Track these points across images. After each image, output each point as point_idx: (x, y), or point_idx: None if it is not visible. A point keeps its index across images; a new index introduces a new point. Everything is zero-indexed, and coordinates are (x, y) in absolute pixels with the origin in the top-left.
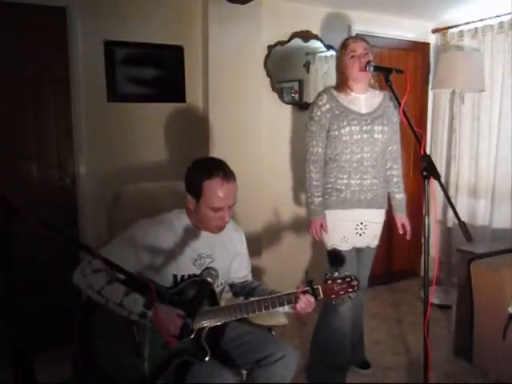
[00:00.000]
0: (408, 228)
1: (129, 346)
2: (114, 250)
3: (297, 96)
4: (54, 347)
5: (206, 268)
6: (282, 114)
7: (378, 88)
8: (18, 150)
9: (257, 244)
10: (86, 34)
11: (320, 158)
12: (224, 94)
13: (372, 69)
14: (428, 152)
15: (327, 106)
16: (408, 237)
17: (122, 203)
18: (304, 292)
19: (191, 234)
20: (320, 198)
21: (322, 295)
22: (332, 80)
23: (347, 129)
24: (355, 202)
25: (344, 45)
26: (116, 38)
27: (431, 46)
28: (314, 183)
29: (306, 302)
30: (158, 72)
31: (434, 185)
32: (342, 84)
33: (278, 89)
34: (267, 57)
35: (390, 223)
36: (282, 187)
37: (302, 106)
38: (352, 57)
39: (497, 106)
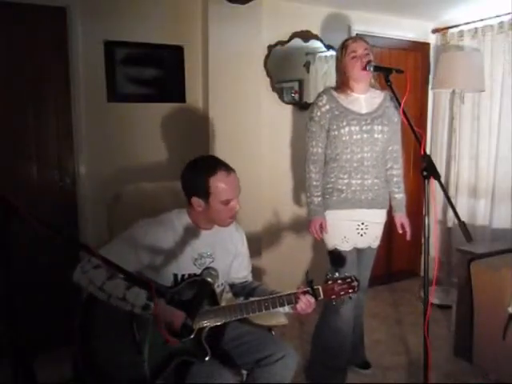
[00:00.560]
0: (407, 228)
1: (129, 346)
2: (113, 249)
3: (297, 96)
4: (54, 347)
5: (207, 268)
6: (282, 114)
7: (378, 88)
8: (18, 150)
9: (257, 244)
10: (86, 33)
11: (320, 158)
12: (224, 94)
13: (372, 69)
14: (428, 152)
15: (327, 107)
16: (408, 237)
17: (122, 203)
18: (304, 292)
19: (192, 233)
20: (320, 198)
21: (322, 296)
22: (332, 80)
23: (346, 129)
24: (356, 202)
25: (344, 45)
26: (116, 38)
27: (431, 46)
28: (314, 183)
29: (306, 303)
30: (158, 72)
31: (433, 185)
32: (343, 84)
33: (278, 89)
34: (267, 57)
35: (390, 223)
36: (282, 187)
37: (302, 106)
38: (353, 57)
39: (497, 106)
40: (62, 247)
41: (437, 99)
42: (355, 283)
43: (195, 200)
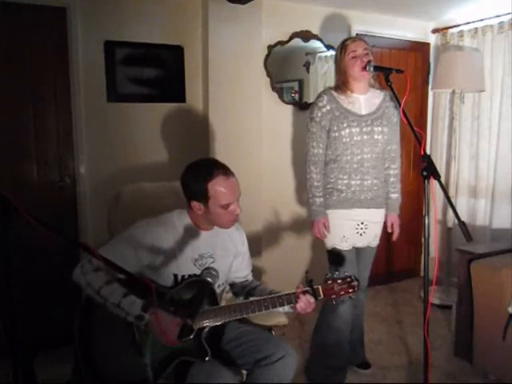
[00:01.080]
0: (396, 229)
1: (129, 346)
2: (113, 249)
3: (297, 96)
4: (54, 347)
5: (207, 268)
6: (281, 114)
7: (378, 88)
8: (18, 150)
9: (257, 244)
10: (86, 34)
11: (320, 159)
12: (224, 94)
13: (372, 69)
14: (428, 152)
15: (328, 107)
16: (394, 237)
17: (121, 203)
18: (304, 292)
19: (192, 234)
20: (321, 199)
21: (322, 295)
22: (332, 80)
23: (347, 130)
24: (356, 202)
25: (344, 45)
26: (116, 38)
27: (431, 46)
28: (315, 184)
29: (306, 302)
30: (158, 72)
31: (433, 185)
32: (343, 85)
33: (278, 89)
34: (267, 57)
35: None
36: (282, 187)
37: (302, 106)
38: (353, 57)
39: (497, 106)
40: (62, 247)
41: (437, 99)
42: (355, 283)
43: (195, 204)
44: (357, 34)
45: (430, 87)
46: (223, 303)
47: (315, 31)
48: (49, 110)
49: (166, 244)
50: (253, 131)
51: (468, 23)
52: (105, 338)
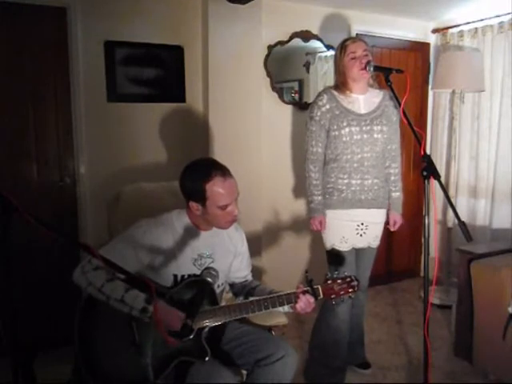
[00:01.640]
0: (397, 226)
1: (129, 346)
2: (113, 249)
3: (297, 96)
4: (54, 347)
5: (206, 268)
6: (281, 114)
7: (377, 87)
8: (18, 150)
9: (257, 244)
10: (86, 33)
11: (320, 158)
12: (224, 94)
13: (372, 69)
14: (428, 152)
15: (327, 107)
16: (392, 229)
17: (121, 203)
18: (304, 292)
19: (191, 234)
20: (320, 197)
21: (322, 295)
22: (332, 80)
23: (347, 129)
24: (356, 202)
25: (343, 46)
26: (116, 38)
27: (431, 46)
28: (314, 182)
29: (305, 302)
30: (158, 72)
31: (433, 185)
32: (342, 85)
33: (278, 89)
34: (267, 57)
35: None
36: (282, 187)
37: (301, 106)
38: (352, 58)
39: (497, 106)
40: (62, 247)
41: (437, 99)
42: (355, 283)
43: (193, 204)
44: (357, 34)
45: (430, 87)
46: (223, 303)
47: (315, 31)
48: (49, 110)
49: (166, 244)
50: (253, 131)
51: (468, 23)
52: (105, 338)
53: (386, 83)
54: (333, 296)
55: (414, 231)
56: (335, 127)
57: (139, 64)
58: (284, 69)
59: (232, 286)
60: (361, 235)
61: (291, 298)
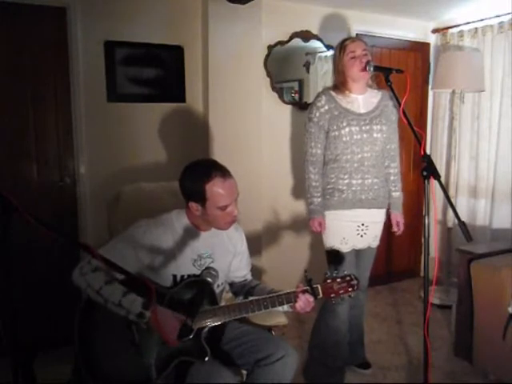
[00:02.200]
0: (402, 227)
1: (128, 346)
2: (113, 249)
3: (297, 96)
4: (54, 347)
5: (206, 268)
6: (281, 114)
7: (375, 87)
8: (18, 150)
9: (257, 244)
10: (86, 33)
11: (319, 159)
12: (224, 94)
13: (372, 69)
14: (428, 152)
15: (326, 108)
16: (397, 233)
17: (121, 203)
18: (303, 291)
19: (191, 234)
20: (319, 199)
21: (321, 294)
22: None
23: (347, 129)
24: (357, 202)
25: (342, 46)
26: (116, 38)
27: (431, 46)
28: (313, 184)
29: (305, 302)
30: (158, 72)
31: (433, 185)
32: (341, 85)
33: (278, 89)
34: (267, 57)
35: (389, 223)
36: (282, 187)
37: (301, 106)
38: (352, 57)
39: (497, 106)
40: (62, 247)
41: (437, 99)
42: (355, 282)
43: (192, 204)
44: (357, 34)
45: (430, 87)
46: (223, 303)
47: (315, 31)
48: (49, 110)
49: (166, 244)
50: (253, 131)
51: (468, 23)
52: (105, 338)
53: (386, 83)
54: (332, 295)
55: (414, 231)
56: (335, 127)
57: (139, 64)
58: (284, 69)
59: (231, 285)
60: (361, 236)
61: (291, 298)
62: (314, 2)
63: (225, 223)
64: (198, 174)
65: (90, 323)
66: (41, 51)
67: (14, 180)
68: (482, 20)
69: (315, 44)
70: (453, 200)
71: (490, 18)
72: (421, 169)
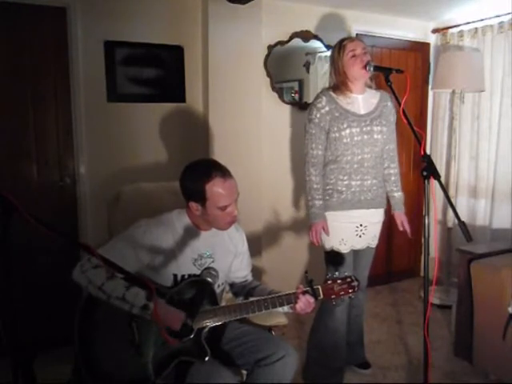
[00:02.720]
0: (407, 226)
1: (128, 346)
2: (113, 249)
3: (297, 96)
4: (54, 347)
5: (206, 268)
6: (281, 114)
7: (374, 87)
8: (18, 150)
9: (257, 244)
10: (86, 33)
11: (320, 161)
12: (224, 94)
13: (372, 69)
14: (428, 152)
15: (326, 108)
16: (409, 235)
17: (121, 203)
18: (304, 292)
19: (191, 234)
20: (321, 201)
21: (322, 295)
22: None
23: (348, 131)
24: (356, 203)
25: (341, 46)
26: (116, 38)
27: (431, 46)
28: (315, 186)
29: (305, 303)
30: (158, 72)
31: (433, 185)
32: (342, 85)
33: (278, 89)
34: (267, 57)
35: (389, 223)
36: (282, 187)
37: (301, 106)
38: (352, 56)
39: (497, 106)
40: (62, 247)
41: (437, 99)
42: (355, 283)
43: (193, 204)
44: (357, 34)
45: (430, 87)
46: (223, 303)
47: (315, 31)
48: (49, 110)
49: (166, 244)
50: (253, 131)
51: (468, 23)
52: (105, 338)
53: (386, 83)
54: (333, 296)
55: (413, 231)
56: (335, 129)
57: (139, 64)
58: (284, 69)
59: (232, 285)
60: (360, 236)
61: (291, 299)
62: (314, 1)
63: (225, 223)
64: (198, 174)
65: (90, 323)
66: (41, 51)
67: (14, 180)
68: (482, 20)
69: (315, 44)
70: (453, 200)
71: (489, 18)
72: (421, 169)
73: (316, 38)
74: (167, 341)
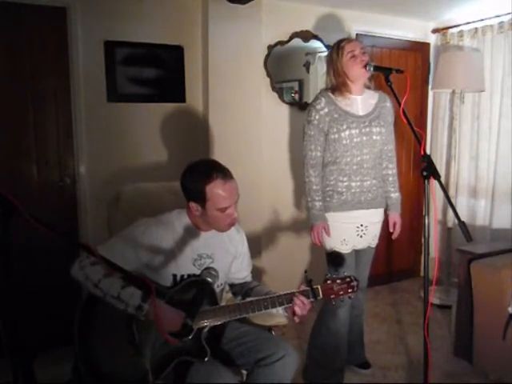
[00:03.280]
0: (398, 228)
1: (128, 346)
2: (112, 248)
3: (297, 96)
4: (54, 347)
5: (206, 268)
6: (281, 114)
7: (373, 88)
8: (18, 150)
9: (257, 244)
10: (86, 33)
11: (319, 162)
12: (224, 94)
13: (372, 69)
14: (428, 152)
15: (326, 110)
16: (394, 236)
17: (122, 203)
18: (302, 293)
19: (191, 234)
20: (321, 203)
21: (321, 295)
22: None
23: (347, 132)
24: (356, 204)
25: (340, 46)
26: (116, 38)
27: (431, 46)
28: (314, 187)
29: (300, 305)
30: (158, 72)
31: (433, 185)
32: (341, 85)
33: (278, 89)
34: (267, 57)
35: (389, 223)
36: (282, 187)
37: (301, 106)
38: (352, 57)
39: (497, 106)
40: (62, 247)
41: (437, 99)
42: (354, 283)
43: (193, 205)
44: (357, 34)
45: (430, 87)
46: (223, 303)
47: (315, 31)
48: (49, 110)
49: (166, 244)
50: (253, 131)
51: (468, 23)
52: (105, 338)
53: (386, 83)
54: (332, 296)
55: (414, 231)
56: (334, 130)
57: (139, 64)
58: (284, 69)
59: (231, 286)
60: (361, 236)
61: (291, 298)
62: (314, 2)
63: (224, 225)
64: (198, 175)
65: (90, 323)
66: (41, 51)
67: (14, 180)
68: (482, 20)
69: (315, 44)
70: (453, 200)
71: (489, 18)
72: (421, 169)
73: (316, 37)
74: (167, 341)
